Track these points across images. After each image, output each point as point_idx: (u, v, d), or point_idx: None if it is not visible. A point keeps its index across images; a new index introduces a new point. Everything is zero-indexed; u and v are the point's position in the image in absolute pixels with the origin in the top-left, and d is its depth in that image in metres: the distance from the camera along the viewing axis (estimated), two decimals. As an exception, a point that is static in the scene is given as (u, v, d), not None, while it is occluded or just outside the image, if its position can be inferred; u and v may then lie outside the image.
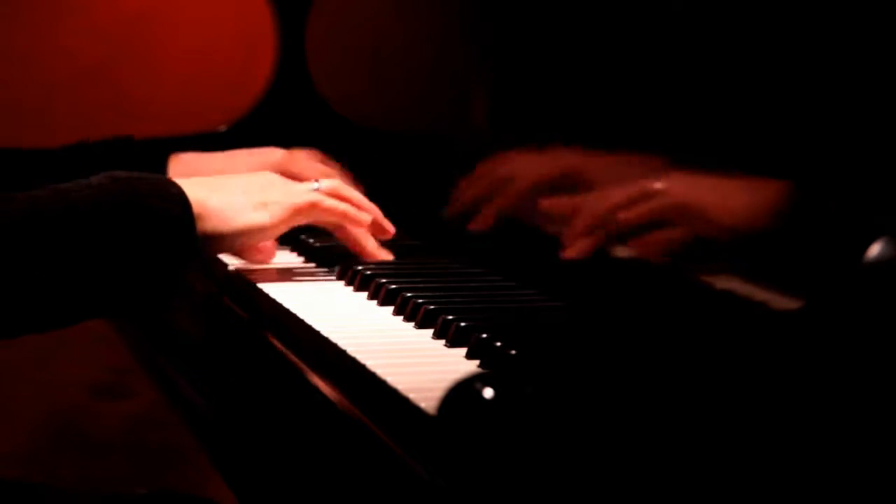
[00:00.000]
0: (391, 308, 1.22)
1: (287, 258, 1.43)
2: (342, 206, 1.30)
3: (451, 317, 1.11)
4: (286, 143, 1.77)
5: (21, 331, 1.16)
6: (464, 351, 1.08)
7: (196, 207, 1.19)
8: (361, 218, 1.32)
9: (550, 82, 1.32)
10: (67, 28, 2.32)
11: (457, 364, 1.05)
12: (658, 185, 1.13)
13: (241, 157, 1.51)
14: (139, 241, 1.15)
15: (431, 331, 1.14)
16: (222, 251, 1.28)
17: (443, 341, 1.11)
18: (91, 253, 1.13)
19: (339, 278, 1.35)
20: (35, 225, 1.12)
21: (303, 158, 1.51)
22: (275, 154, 1.51)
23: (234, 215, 1.22)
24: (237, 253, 1.32)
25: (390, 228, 1.36)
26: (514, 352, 1.02)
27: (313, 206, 1.28)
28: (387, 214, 1.38)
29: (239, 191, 1.24)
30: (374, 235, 1.35)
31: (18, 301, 1.13)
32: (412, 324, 1.17)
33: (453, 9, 1.51)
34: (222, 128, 1.81)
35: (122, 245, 1.14)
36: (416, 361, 1.06)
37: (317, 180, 1.32)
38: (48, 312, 1.15)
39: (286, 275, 1.35)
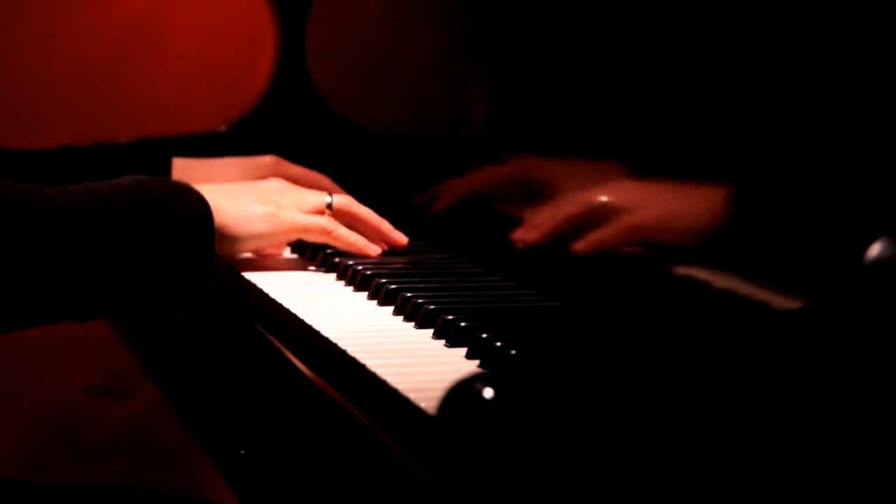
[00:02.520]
0: (391, 308, 1.22)
1: (286, 257, 1.43)
2: (353, 237, 1.34)
3: (451, 317, 1.11)
4: (286, 142, 1.77)
5: (35, 320, 1.20)
6: (464, 351, 1.07)
7: (215, 214, 1.24)
8: (370, 251, 1.35)
9: (549, 83, 1.32)
10: (67, 27, 2.32)
11: (457, 364, 1.05)
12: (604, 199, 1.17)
13: (234, 162, 1.56)
14: (162, 241, 1.20)
15: (431, 331, 1.14)
16: (235, 255, 1.34)
17: (443, 341, 1.11)
18: (114, 249, 1.18)
19: (339, 278, 1.35)
20: (63, 218, 1.17)
21: (292, 165, 1.56)
22: (265, 159, 1.56)
23: (247, 223, 1.28)
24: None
25: (402, 240, 1.39)
26: (514, 352, 1.02)
27: (324, 233, 1.33)
28: (386, 214, 1.38)
29: (251, 199, 1.29)
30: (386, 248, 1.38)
31: (37, 291, 1.17)
32: (412, 324, 1.17)
33: (453, 9, 1.51)
34: (222, 128, 1.81)
35: (144, 245, 1.19)
36: (416, 361, 1.06)
37: (329, 194, 1.36)
38: (63, 303, 1.19)
39: (286, 275, 1.36)
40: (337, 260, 1.37)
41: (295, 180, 1.53)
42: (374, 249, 1.35)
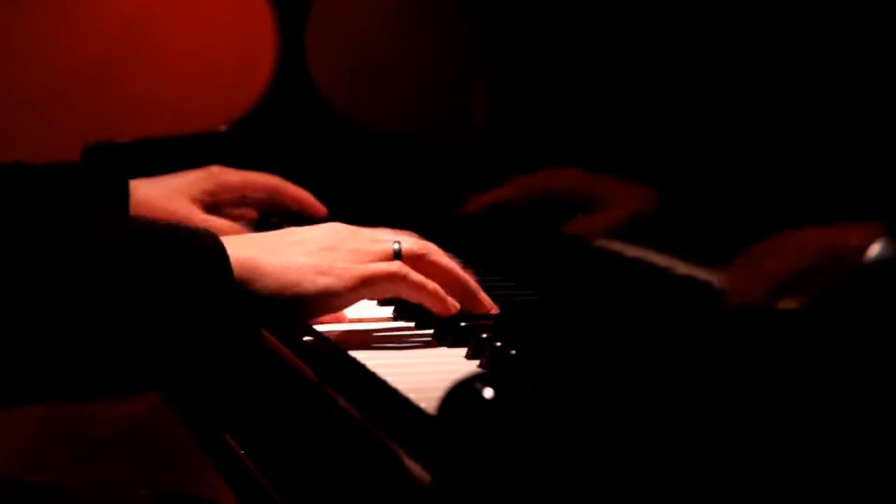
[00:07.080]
0: (391, 308, 1.22)
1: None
2: (430, 284, 1.09)
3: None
4: (286, 143, 1.77)
5: (53, 395, 1.06)
6: (464, 351, 1.07)
7: (246, 266, 1.04)
8: (449, 306, 1.10)
9: (548, 83, 1.32)
10: (67, 28, 2.32)
11: (457, 364, 1.05)
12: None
13: (176, 177, 1.49)
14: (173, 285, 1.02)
15: (431, 331, 1.14)
16: (288, 318, 1.09)
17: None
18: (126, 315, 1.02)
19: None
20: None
21: (233, 171, 1.50)
22: (210, 169, 1.50)
23: (294, 277, 1.06)
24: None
25: (491, 308, 1.14)
26: (514, 352, 1.02)
27: (397, 278, 1.07)
28: (385, 214, 1.38)
29: (300, 251, 1.07)
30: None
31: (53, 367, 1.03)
32: (412, 324, 1.17)
33: (453, 9, 1.51)
34: (222, 128, 1.81)
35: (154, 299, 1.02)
36: (416, 361, 1.06)
37: (397, 241, 1.10)
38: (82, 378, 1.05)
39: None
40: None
41: (239, 185, 1.51)
42: (453, 305, 1.11)
